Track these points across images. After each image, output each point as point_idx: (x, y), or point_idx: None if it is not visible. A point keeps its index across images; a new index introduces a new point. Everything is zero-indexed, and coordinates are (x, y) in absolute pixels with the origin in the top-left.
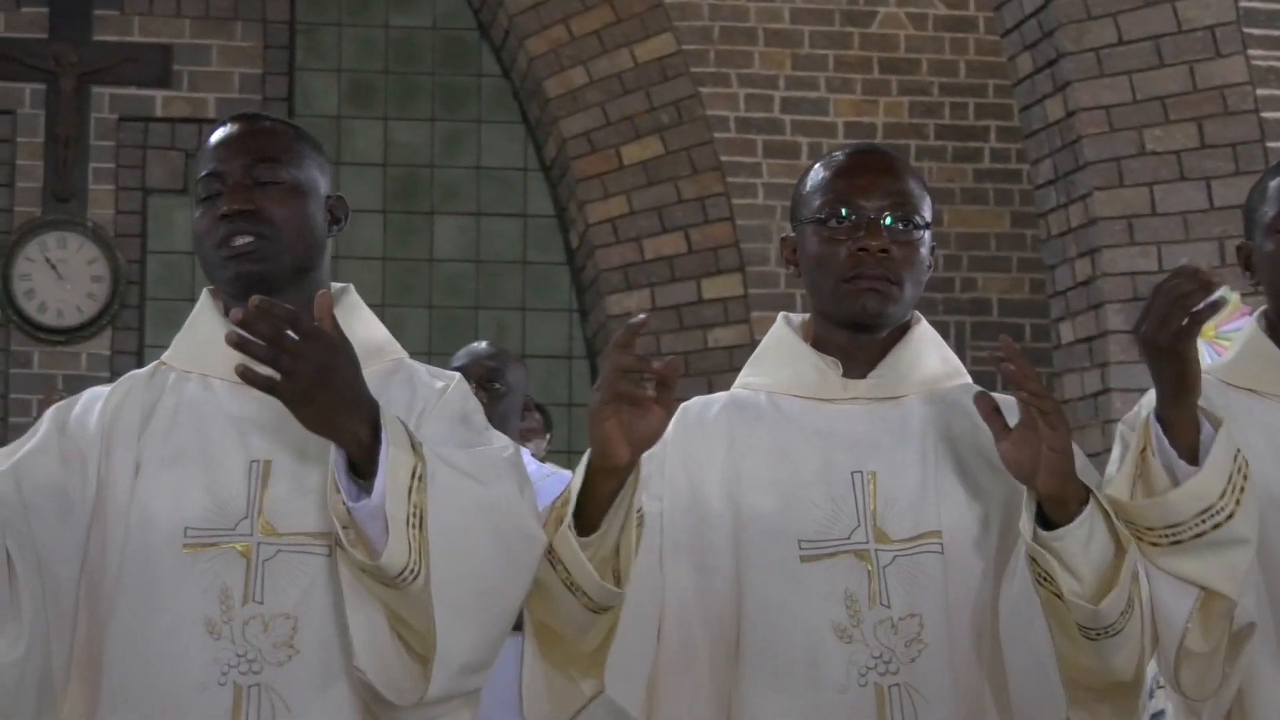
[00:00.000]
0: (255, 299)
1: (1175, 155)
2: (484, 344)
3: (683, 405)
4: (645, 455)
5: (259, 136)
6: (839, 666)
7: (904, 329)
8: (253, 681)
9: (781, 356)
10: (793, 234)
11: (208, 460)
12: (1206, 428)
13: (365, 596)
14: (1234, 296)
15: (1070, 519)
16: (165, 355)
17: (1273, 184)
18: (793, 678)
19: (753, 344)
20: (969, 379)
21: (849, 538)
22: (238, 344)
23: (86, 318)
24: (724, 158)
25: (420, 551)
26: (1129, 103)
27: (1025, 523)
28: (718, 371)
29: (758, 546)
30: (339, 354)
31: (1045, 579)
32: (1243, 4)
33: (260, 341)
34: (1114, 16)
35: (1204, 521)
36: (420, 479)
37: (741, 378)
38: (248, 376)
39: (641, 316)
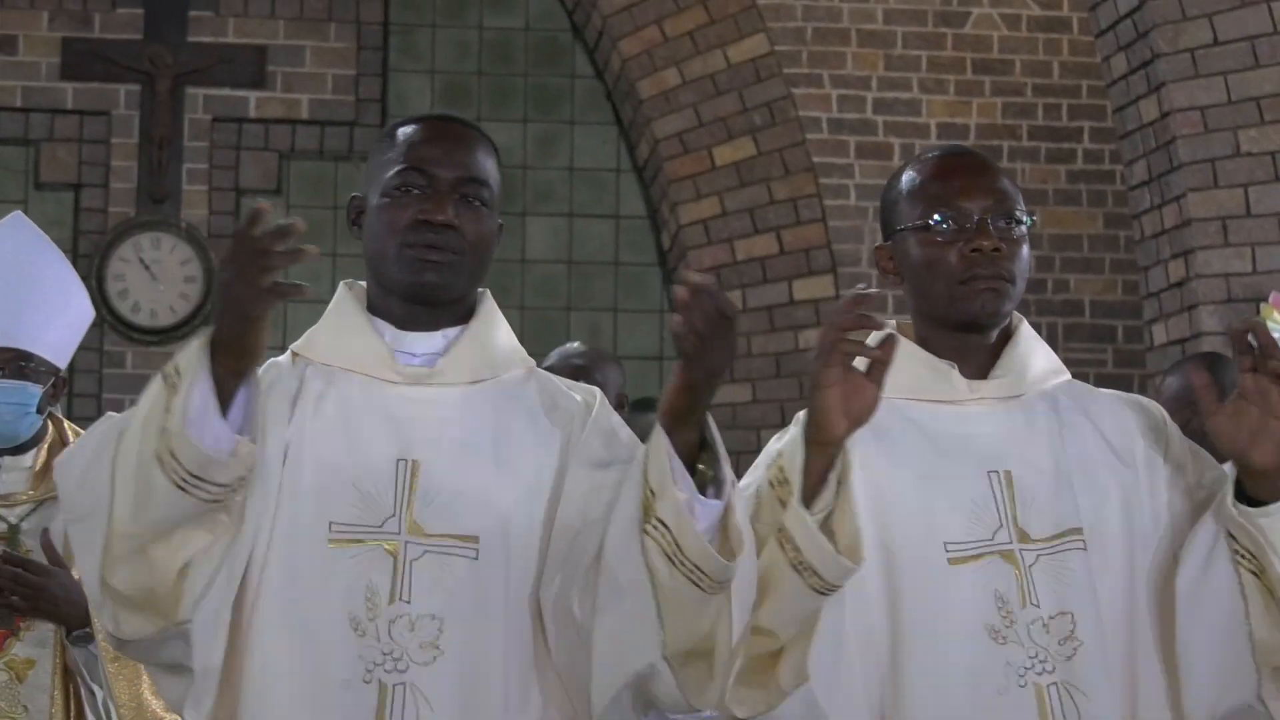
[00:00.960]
0: (702, 278)
1: (1270, 156)
2: (576, 344)
3: (800, 415)
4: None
5: (473, 151)
6: (996, 668)
7: (1008, 329)
8: (398, 680)
9: (899, 362)
10: (887, 243)
11: (355, 456)
12: None
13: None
14: None
15: (1277, 495)
16: (297, 345)
17: None
18: (951, 682)
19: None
20: (1070, 375)
21: (993, 539)
22: (683, 313)
23: (180, 318)
24: (816, 159)
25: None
26: (1224, 103)
27: (1228, 498)
28: (809, 373)
29: (905, 552)
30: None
31: (1247, 556)
32: None
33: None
34: (1209, 17)
35: None
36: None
37: None
38: (684, 340)
39: (866, 289)
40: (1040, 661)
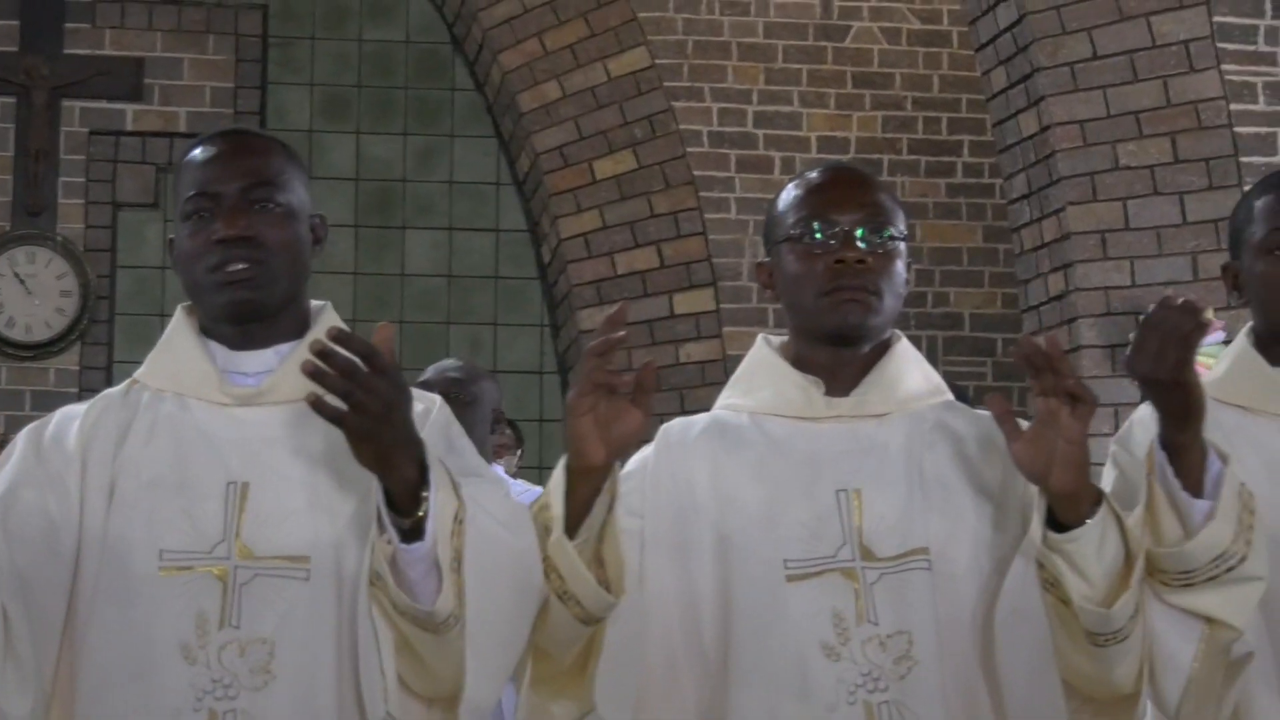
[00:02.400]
0: (333, 329)
1: (1149, 170)
2: (452, 360)
3: (663, 427)
4: (623, 474)
5: (253, 157)
6: (828, 684)
7: (884, 346)
8: (228, 707)
9: (762, 377)
10: (767, 258)
11: (184, 482)
12: (1214, 461)
13: (392, 639)
14: (1207, 311)
15: (1082, 519)
16: (139, 373)
17: (1259, 203)
18: (781, 697)
19: (724, 359)
20: (950, 396)
21: (834, 556)
22: (313, 373)
23: (55, 333)
24: (697, 172)
25: (460, 597)
26: (1103, 117)
27: (1035, 526)
28: (689, 386)
29: (743, 567)
30: (402, 392)
31: (1052, 584)
32: (1216, 19)
33: (333, 373)
34: (1089, 31)
35: (1217, 566)
36: (460, 523)
37: (723, 399)
38: (318, 406)
39: (619, 307)
40: (873, 680)
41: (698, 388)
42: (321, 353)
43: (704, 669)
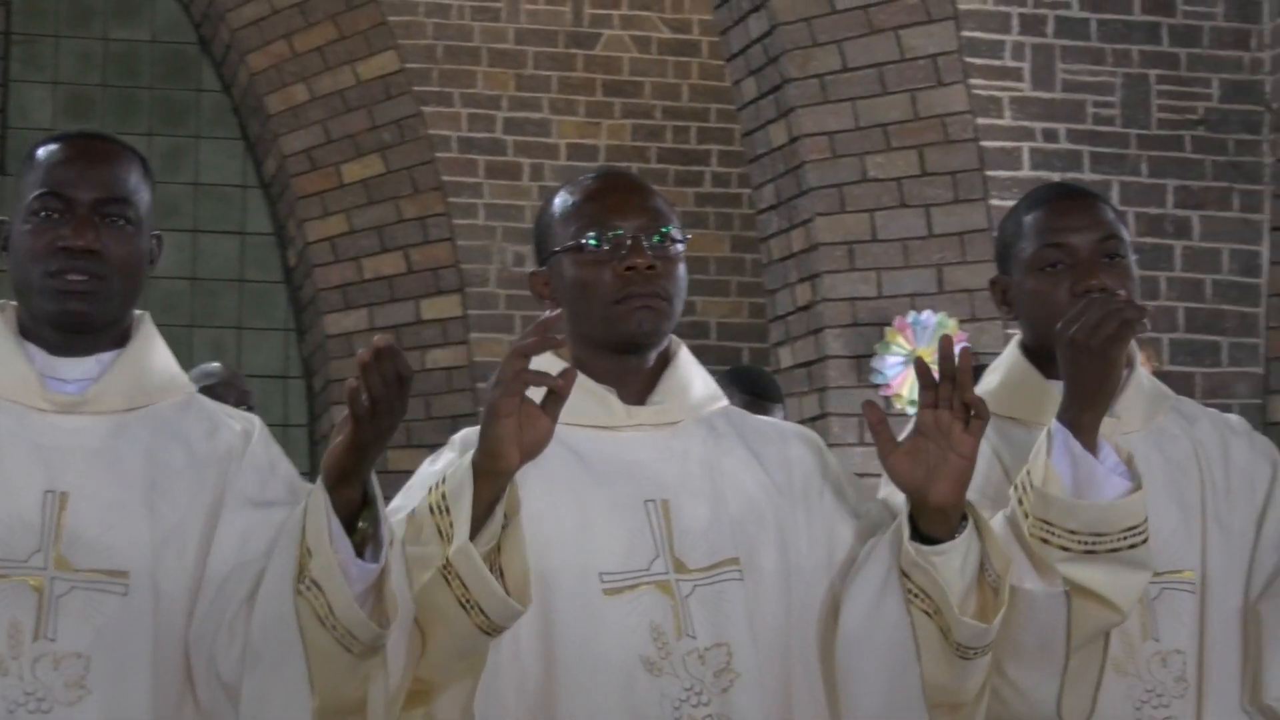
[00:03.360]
0: (385, 341)
1: (896, 182)
2: (215, 365)
3: (460, 436)
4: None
5: (111, 168)
6: (651, 700)
7: (667, 353)
8: None
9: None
10: (542, 268)
11: (1, 489)
12: (1110, 451)
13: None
14: (951, 323)
15: (951, 533)
16: None
17: (1028, 219)
18: (605, 713)
19: (471, 366)
20: (727, 401)
21: (649, 569)
22: (365, 364)
23: None
24: (445, 177)
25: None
26: (852, 129)
27: (904, 537)
28: (436, 393)
29: (559, 581)
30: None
31: (920, 595)
32: (964, 34)
33: (379, 376)
34: (839, 44)
35: (1125, 538)
36: (391, 545)
37: None
38: (354, 394)
39: (553, 314)
40: (696, 694)
41: (444, 394)
42: (387, 351)
43: (526, 684)
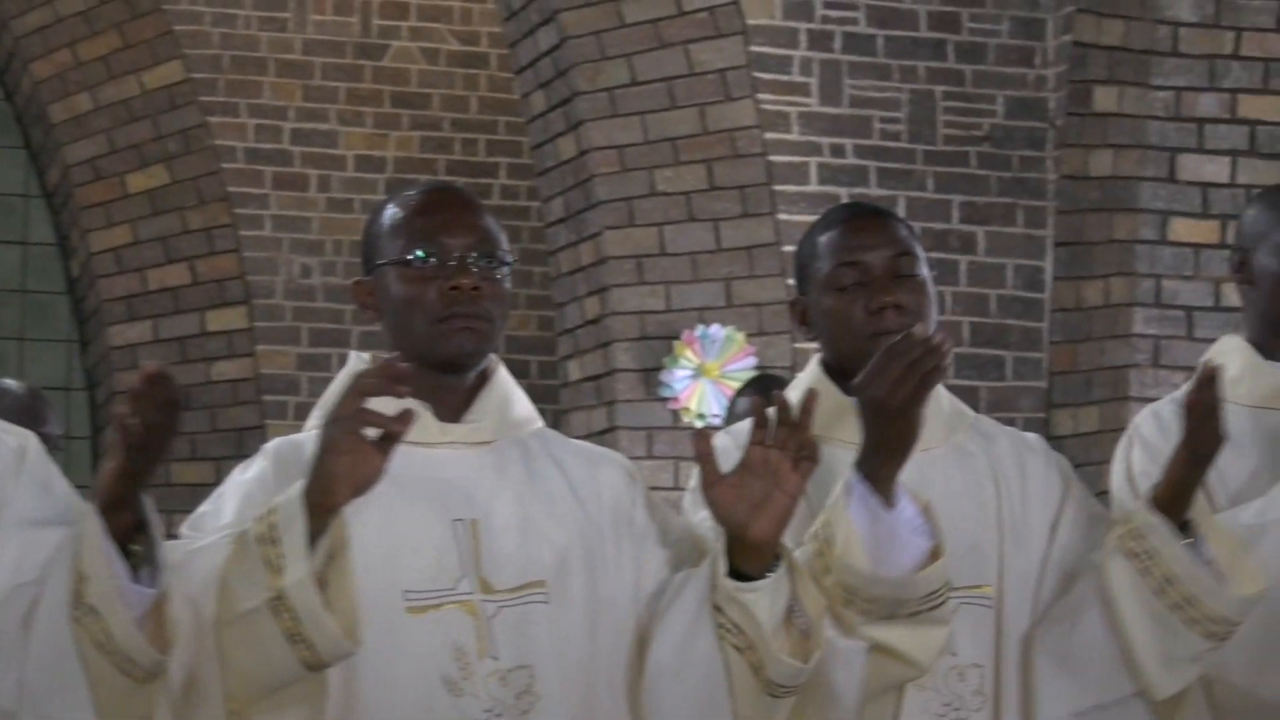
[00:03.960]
0: (156, 367)
1: (685, 196)
2: (11, 381)
3: (273, 446)
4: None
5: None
6: None
7: (485, 372)
8: None
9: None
10: (368, 278)
11: None
12: (908, 502)
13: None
14: (739, 336)
15: (764, 571)
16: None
17: (823, 239)
18: None
19: (257, 378)
20: (543, 422)
21: (454, 588)
22: (133, 403)
23: None
24: (231, 188)
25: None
26: (641, 143)
27: (719, 573)
28: (222, 406)
29: (362, 598)
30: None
31: (733, 630)
32: (752, 48)
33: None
34: (628, 57)
35: (926, 603)
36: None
37: (316, 420)
38: (126, 417)
39: (403, 366)
40: (496, 715)
41: (229, 406)
42: (158, 377)
43: (331, 707)
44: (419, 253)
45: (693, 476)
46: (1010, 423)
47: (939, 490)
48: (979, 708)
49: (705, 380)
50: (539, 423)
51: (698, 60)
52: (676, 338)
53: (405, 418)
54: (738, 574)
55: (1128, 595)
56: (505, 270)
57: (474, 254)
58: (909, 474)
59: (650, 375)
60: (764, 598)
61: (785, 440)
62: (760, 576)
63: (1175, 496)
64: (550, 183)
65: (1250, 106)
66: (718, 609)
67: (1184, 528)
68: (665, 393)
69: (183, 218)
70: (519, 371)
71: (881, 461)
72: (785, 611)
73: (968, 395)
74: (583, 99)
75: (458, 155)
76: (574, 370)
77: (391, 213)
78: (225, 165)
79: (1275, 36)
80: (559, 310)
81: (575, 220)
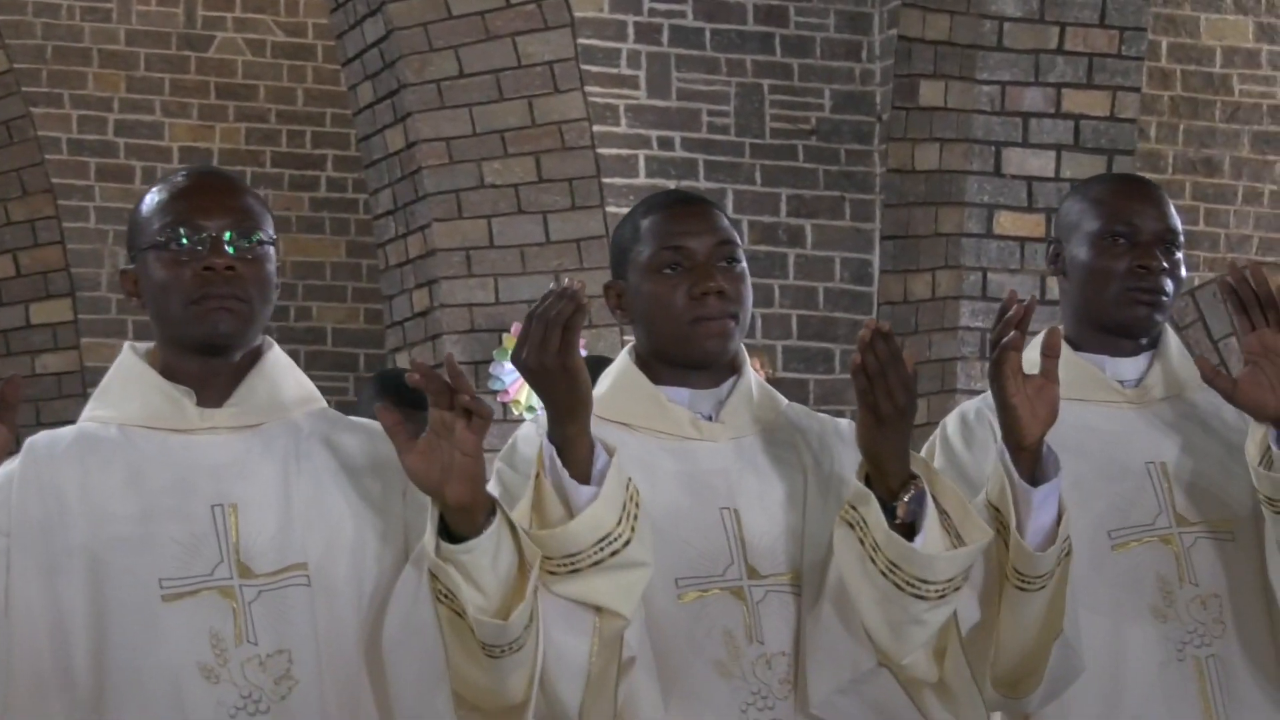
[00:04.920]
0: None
1: (514, 189)
2: None
3: (30, 441)
4: None
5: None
6: (206, 708)
7: (255, 353)
8: None
9: (130, 388)
10: (132, 265)
11: None
12: (601, 453)
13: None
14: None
15: (477, 530)
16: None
17: (645, 223)
18: None
19: (83, 371)
20: (325, 403)
21: (212, 574)
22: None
23: None
24: (55, 180)
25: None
26: (469, 135)
27: (429, 536)
28: (46, 399)
29: (116, 586)
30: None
31: (446, 596)
32: (581, 41)
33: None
34: (456, 49)
35: (602, 549)
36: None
37: (89, 410)
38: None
39: None
40: (254, 701)
41: (54, 399)
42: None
43: (74, 694)
44: (174, 234)
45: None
46: (839, 414)
47: (749, 478)
48: (785, 696)
49: (506, 365)
50: (320, 402)
51: (526, 52)
52: (506, 330)
53: (11, 383)
54: (456, 538)
55: (852, 565)
56: (266, 250)
57: (230, 234)
58: (721, 461)
59: (479, 368)
60: (481, 557)
61: (449, 402)
62: (475, 536)
63: (875, 463)
64: (378, 175)
65: (1074, 101)
66: (434, 576)
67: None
68: (494, 385)
69: (6, 209)
70: (347, 364)
71: (563, 424)
72: (514, 567)
73: (796, 388)
74: (410, 91)
75: (284, 147)
76: (403, 363)
77: (151, 198)
78: (49, 156)
79: (1099, 31)
80: (387, 303)
81: (403, 213)
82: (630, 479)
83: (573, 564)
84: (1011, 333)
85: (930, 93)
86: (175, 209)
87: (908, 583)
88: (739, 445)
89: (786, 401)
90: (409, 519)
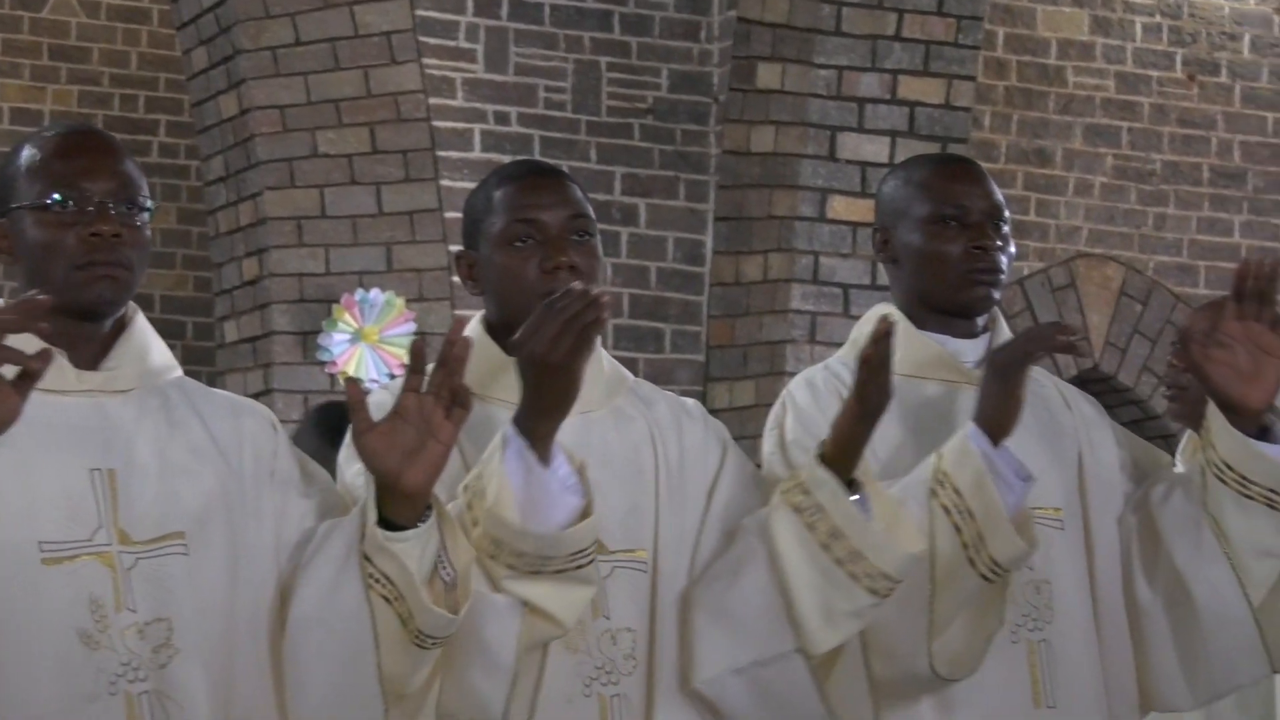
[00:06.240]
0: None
1: (348, 159)
2: None
3: None
4: None
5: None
6: (86, 675)
7: (122, 319)
8: None
9: None
10: (2, 219)
11: None
12: (565, 462)
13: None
14: (398, 301)
15: (415, 520)
16: None
17: (498, 194)
18: (39, 686)
19: None
20: (181, 371)
21: (91, 539)
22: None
23: None
24: None
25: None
26: (304, 104)
27: (370, 521)
28: None
29: None
30: None
31: (379, 581)
32: (419, 13)
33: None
34: (292, 16)
35: (573, 560)
36: None
37: None
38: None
39: (42, 298)
40: (133, 669)
41: None
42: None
43: None
44: (57, 197)
45: (348, 431)
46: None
47: (598, 453)
48: (630, 672)
49: (364, 345)
50: (177, 371)
51: (363, 22)
52: (335, 301)
53: (45, 356)
54: (388, 523)
55: (793, 549)
56: (146, 217)
57: (114, 200)
58: (568, 436)
59: (308, 338)
60: (414, 547)
61: (439, 387)
62: (411, 526)
63: (842, 453)
64: (210, 141)
65: (910, 88)
66: (366, 558)
67: (850, 486)
68: (323, 356)
69: None
70: (175, 332)
71: (539, 419)
72: (434, 563)
73: (627, 367)
74: (245, 57)
75: (116, 111)
76: (231, 332)
77: (29, 154)
78: None
79: (936, 19)
80: (216, 271)
81: (235, 180)
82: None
83: (540, 566)
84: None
85: (767, 75)
86: (58, 170)
87: (867, 575)
88: (587, 420)
89: (634, 377)
90: (277, 499)
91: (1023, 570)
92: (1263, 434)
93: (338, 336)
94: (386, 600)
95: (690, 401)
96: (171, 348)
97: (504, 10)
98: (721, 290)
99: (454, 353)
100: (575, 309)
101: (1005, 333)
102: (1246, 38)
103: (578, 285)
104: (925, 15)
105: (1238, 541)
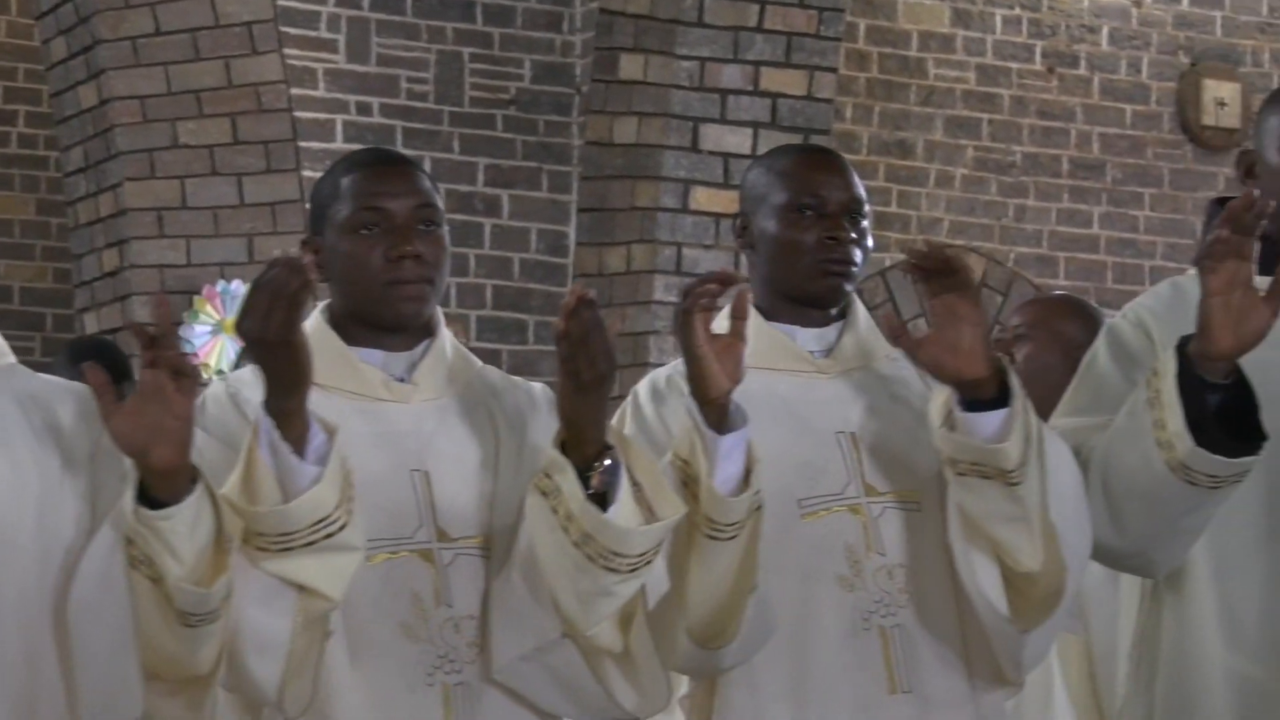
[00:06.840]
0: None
1: (209, 150)
2: None
3: None
4: None
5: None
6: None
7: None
8: None
9: None
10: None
11: None
12: (319, 433)
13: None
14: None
15: (180, 497)
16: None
17: (345, 180)
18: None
19: None
20: (14, 359)
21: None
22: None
23: None
24: None
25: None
26: (164, 94)
27: (127, 500)
28: None
29: None
30: None
31: (142, 561)
32: (280, 3)
33: None
34: (152, 6)
35: (317, 531)
36: None
37: None
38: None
39: None
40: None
41: None
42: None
43: None
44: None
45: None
46: None
47: (442, 440)
48: (473, 660)
49: (225, 336)
50: (10, 358)
51: (224, 12)
52: (197, 293)
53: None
54: (156, 503)
55: (543, 534)
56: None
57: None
58: (405, 423)
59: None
60: (180, 524)
61: (153, 361)
62: (176, 503)
63: (577, 432)
64: (70, 132)
65: (772, 79)
66: (130, 541)
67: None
68: (185, 348)
69: None
70: (35, 323)
71: (281, 396)
72: (213, 534)
73: (490, 358)
74: (105, 47)
75: None
76: (91, 323)
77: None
78: None
79: (798, 11)
80: (76, 262)
81: (95, 171)
82: (347, 458)
83: (286, 542)
84: (709, 286)
85: (630, 66)
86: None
87: (600, 555)
88: (432, 407)
89: (480, 364)
90: (97, 481)
91: (872, 557)
92: (1002, 399)
93: (199, 328)
94: (151, 581)
95: (538, 387)
96: (30, 339)
97: (366, 1)
98: (585, 281)
99: (151, 331)
100: (278, 281)
101: (861, 323)
102: (1105, 30)
103: (279, 253)
104: (787, 7)
105: (979, 519)
